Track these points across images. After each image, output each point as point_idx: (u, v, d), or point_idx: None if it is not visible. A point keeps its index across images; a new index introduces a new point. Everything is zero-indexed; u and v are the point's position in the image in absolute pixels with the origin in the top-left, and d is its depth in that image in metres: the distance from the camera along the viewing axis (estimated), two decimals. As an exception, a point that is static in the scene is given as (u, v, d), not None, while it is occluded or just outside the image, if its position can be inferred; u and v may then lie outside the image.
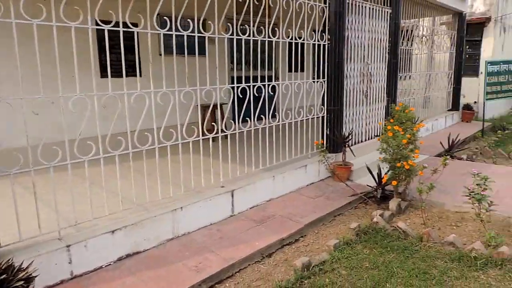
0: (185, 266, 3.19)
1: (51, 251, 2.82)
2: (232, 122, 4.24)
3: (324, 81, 5.43)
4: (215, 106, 4.49)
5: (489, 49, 11.91)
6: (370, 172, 4.85)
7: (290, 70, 5.89)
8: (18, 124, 3.48)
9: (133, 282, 2.94)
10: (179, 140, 3.66)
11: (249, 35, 4.12)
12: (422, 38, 10.04)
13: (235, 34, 3.94)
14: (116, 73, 3.87)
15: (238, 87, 4.15)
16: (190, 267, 3.17)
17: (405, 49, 8.06)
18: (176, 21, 3.38)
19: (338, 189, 5.07)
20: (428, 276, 3.08)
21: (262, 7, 4.17)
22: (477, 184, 3.66)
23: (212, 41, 3.91)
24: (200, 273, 3.08)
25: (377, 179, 4.76)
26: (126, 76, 3.40)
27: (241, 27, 3.96)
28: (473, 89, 11.72)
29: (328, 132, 5.56)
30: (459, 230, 4.03)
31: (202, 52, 3.97)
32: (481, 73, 11.13)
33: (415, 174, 4.23)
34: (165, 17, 3.37)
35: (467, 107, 10.96)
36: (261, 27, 4.24)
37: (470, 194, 3.66)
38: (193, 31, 3.60)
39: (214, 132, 4.00)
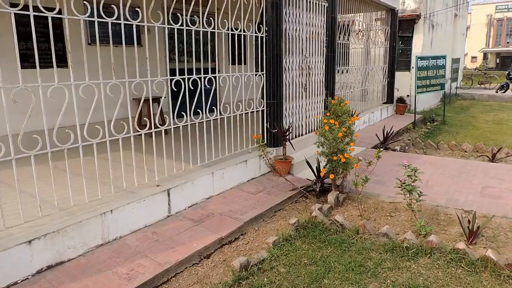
0: (116, 274, 2.95)
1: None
2: (166, 116, 4.01)
3: (263, 74, 5.35)
4: (149, 100, 4.22)
5: (419, 45, 12.61)
6: (309, 166, 4.86)
7: (233, 63, 5.75)
8: None
9: (53, 297, 2.66)
10: (107, 137, 3.37)
11: (181, 25, 3.89)
12: (358, 33, 10.36)
13: (166, 23, 3.71)
14: (42, 64, 3.47)
15: (171, 79, 3.92)
16: (121, 275, 2.93)
17: (343, 43, 8.24)
18: (98, 8, 3.07)
19: (279, 184, 5.04)
20: (364, 269, 3.12)
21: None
22: (408, 176, 3.79)
23: (149, 31, 3.65)
24: (132, 281, 2.86)
25: (316, 173, 4.79)
26: (56, 67, 3.03)
27: (173, 16, 3.74)
28: (406, 83, 12.35)
29: (268, 126, 5.50)
30: (393, 220, 4.17)
31: (139, 42, 3.70)
32: (413, 67, 11.75)
33: (351, 167, 4.30)
34: (85, 2, 3.06)
35: (400, 100, 11.52)
36: (195, 16, 4.03)
37: (401, 186, 3.77)
38: (118, 19, 3.31)
39: (147, 128, 3.75)
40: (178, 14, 3.88)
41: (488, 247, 3.50)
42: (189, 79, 4.12)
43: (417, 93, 10.10)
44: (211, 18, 4.34)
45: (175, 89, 3.93)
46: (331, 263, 3.19)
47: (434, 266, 3.17)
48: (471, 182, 5.22)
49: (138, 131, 3.69)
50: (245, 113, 5.12)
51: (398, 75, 11.98)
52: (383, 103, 11.03)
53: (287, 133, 5.33)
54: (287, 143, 5.42)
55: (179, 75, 4.02)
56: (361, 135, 8.27)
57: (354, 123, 4.47)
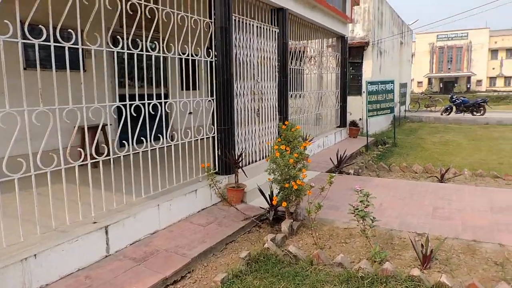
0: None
1: None
2: (105, 146, 3.70)
3: (213, 99, 5.18)
4: (95, 127, 3.90)
5: (369, 70, 13.10)
6: (262, 194, 4.68)
7: (187, 89, 5.56)
8: None
9: None
10: (32, 170, 3.01)
11: (122, 47, 3.66)
12: (310, 59, 10.57)
13: (104, 46, 3.46)
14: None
15: (111, 105, 3.64)
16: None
17: (297, 69, 8.32)
18: (22, 27, 2.78)
19: (231, 214, 4.79)
20: (319, 304, 2.93)
21: (138, 18, 3.76)
22: (360, 201, 3.69)
23: (96, 55, 3.40)
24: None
25: (269, 201, 4.61)
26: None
27: (111, 39, 3.50)
28: (358, 107, 12.69)
29: (219, 153, 5.29)
30: (348, 247, 4.04)
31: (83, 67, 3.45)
32: (364, 92, 12.13)
33: (304, 194, 4.16)
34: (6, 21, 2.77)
35: (353, 123, 11.78)
36: (137, 40, 3.82)
37: (354, 212, 3.67)
38: (47, 40, 3.02)
39: (81, 159, 3.41)
40: (118, 37, 3.66)
41: (442, 271, 3.45)
42: (131, 105, 3.85)
43: (368, 116, 10.35)
44: (155, 42, 4.15)
45: (115, 117, 3.66)
46: (284, 300, 2.97)
47: (390, 297, 3.04)
48: (422, 204, 5.25)
49: (71, 163, 3.35)
50: (195, 140, 4.89)
51: (351, 99, 12.30)
52: (337, 126, 11.21)
53: (239, 160, 5.14)
54: (240, 170, 5.22)
55: (125, 101, 3.78)
56: (316, 159, 8.27)
57: (306, 148, 4.37)
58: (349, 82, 13.17)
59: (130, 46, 3.76)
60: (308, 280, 3.27)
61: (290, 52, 7.96)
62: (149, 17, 3.93)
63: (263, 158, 6.50)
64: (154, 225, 4.10)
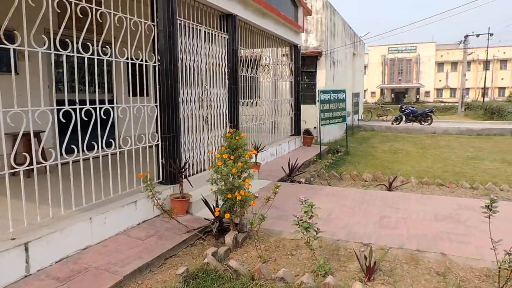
0: None
1: None
2: (26, 155, 3.35)
3: (157, 105, 4.93)
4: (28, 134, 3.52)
5: (322, 79, 13.31)
6: (207, 204, 4.48)
7: (135, 94, 5.25)
8: None
9: None
10: None
11: (49, 48, 3.35)
12: (265, 67, 10.55)
13: (26, 45, 3.14)
14: None
15: (34, 111, 3.30)
16: None
17: (252, 77, 8.26)
18: None
19: (174, 226, 4.54)
20: (256, 323, 2.76)
21: (68, 16, 3.47)
22: (304, 212, 3.59)
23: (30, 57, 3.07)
24: None
25: (214, 212, 4.41)
26: None
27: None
28: (313, 115, 12.83)
29: (164, 162, 5.03)
30: (293, 260, 3.92)
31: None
32: (318, 101, 12.28)
33: (249, 205, 4.01)
34: None
35: (307, 132, 11.86)
36: (67, 40, 3.52)
37: (298, 223, 3.55)
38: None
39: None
40: (44, 36, 3.35)
41: (386, 282, 3.41)
42: (59, 110, 3.53)
43: (322, 125, 10.45)
44: (88, 43, 3.85)
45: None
46: (220, 320, 2.78)
47: (331, 312, 2.93)
48: (370, 213, 5.27)
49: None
50: (136, 148, 4.60)
51: (306, 108, 12.41)
52: (291, 135, 11.22)
53: (184, 169, 4.90)
54: (185, 179, 4.98)
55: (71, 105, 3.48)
56: (268, 168, 8.18)
57: (252, 157, 4.22)
58: (304, 91, 13.32)
59: (58, 47, 3.46)
60: (248, 296, 3.11)
61: (246, 59, 7.89)
62: (81, 16, 3.65)
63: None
64: (86, 240, 3.77)
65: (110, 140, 4.19)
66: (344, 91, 11.37)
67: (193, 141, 5.76)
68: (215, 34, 6.30)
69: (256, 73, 8.67)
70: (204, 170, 6.09)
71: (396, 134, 17.26)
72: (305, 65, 13.21)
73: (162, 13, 4.83)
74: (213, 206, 4.41)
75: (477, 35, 34.74)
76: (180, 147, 5.26)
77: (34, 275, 3.23)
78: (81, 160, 3.85)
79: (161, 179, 5.06)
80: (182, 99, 5.40)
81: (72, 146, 3.65)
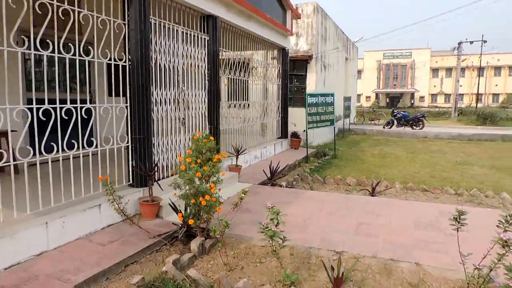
0: None
1: None
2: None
3: (127, 106, 4.76)
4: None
5: (312, 83, 13.17)
6: (174, 209, 4.30)
7: (110, 95, 5.07)
8: None
9: None
10: None
11: (1, 44, 3.18)
12: (252, 69, 10.40)
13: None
14: None
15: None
16: None
17: (241, 79, 8.17)
18: None
19: (141, 230, 4.36)
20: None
21: (24, 12, 3.30)
22: (270, 219, 3.42)
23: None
24: None
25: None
26: None
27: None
28: (302, 118, 12.61)
29: (134, 164, 4.86)
30: (261, 268, 3.75)
31: None
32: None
33: (214, 210, 3.84)
34: None
35: (295, 135, 11.71)
36: (23, 37, 3.36)
37: (263, 231, 3.38)
38: None
39: None
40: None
41: (354, 293, 3.25)
42: (12, 110, 3.36)
43: (309, 128, 10.30)
44: (48, 40, 3.68)
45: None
46: (168, 334, 2.61)
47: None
48: (349, 219, 5.10)
49: None
50: (101, 149, 4.43)
51: (295, 111, 12.27)
52: (278, 137, 11.07)
53: (153, 172, 4.73)
54: (155, 182, 4.81)
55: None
56: (251, 171, 8.01)
57: (220, 161, 4.05)
58: (294, 94, 13.19)
59: (13, 44, 3.29)
60: (204, 308, 2.94)
61: (234, 62, 7.76)
62: (39, 12, 3.49)
63: (189, 170, 6.12)
64: (41, 245, 3.59)
65: (73, 141, 4.00)
66: (332, 95, 11.24)
67: (167, 143, 5.59)
68: (194, 35, 6.15)
69: (245, 76, 8.54)
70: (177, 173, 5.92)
71: (387, 138, 17.15)
72: (295, 68, 13.09)
73: (134, 11, 4.68)
74: (181, 211, 4.24)
75: (471, 42, 34.83)
76: (152, 149, 5.08)
77: (-22, 284, 3.05)
78: (37, 162, 3.67)
79: (131, 182, 4.89)
80: (155, 99, 5.24)
81: (27, 147, 3.48)
